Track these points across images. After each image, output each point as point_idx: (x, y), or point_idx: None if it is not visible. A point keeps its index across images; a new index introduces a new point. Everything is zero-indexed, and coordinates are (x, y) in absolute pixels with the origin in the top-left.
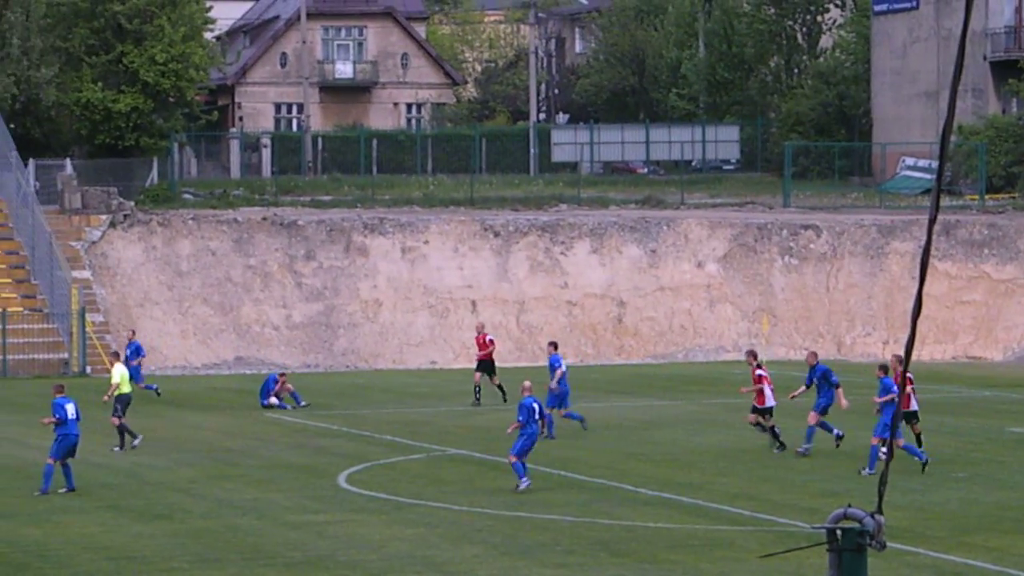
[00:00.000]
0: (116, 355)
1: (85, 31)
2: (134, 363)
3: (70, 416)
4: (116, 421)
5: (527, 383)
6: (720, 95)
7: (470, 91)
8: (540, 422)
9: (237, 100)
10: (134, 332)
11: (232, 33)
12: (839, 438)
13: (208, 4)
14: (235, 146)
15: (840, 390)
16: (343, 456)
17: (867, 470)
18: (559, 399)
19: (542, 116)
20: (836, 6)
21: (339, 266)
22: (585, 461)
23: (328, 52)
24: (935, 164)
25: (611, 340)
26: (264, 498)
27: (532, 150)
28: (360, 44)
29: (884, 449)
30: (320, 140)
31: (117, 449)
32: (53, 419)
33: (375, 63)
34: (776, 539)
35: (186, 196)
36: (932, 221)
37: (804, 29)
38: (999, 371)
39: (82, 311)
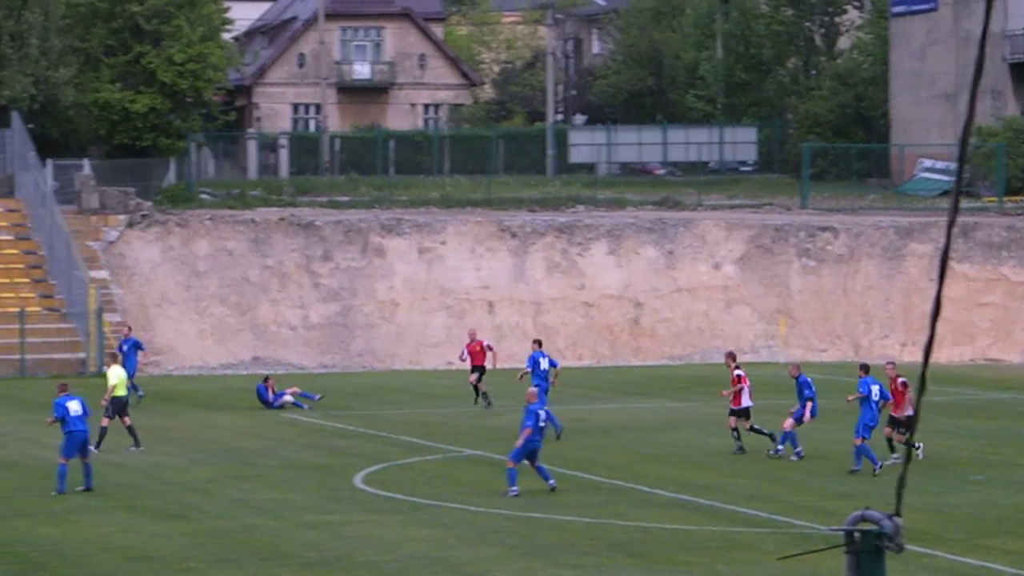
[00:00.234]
0: (114, 356)
1: (103, 31)
2: (140, 358)
3: (72, 413)
4: (106, 422)
5: (533, 389)
6: (738, 96)
7: (487, 92)
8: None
9: (255, 100)
10: (130, 328)
11: (250, 34)
12: (776, 454)
13: (226, 4)
14: (253, 146)
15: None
16: (360, 456)
17: (855, 466)
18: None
19: (559, 117)
20: (854, 7)
21: (356, 267)
22: (601, 463)
23: (346, 53)
24: (953, 166)
25: (628, 341)
26: (281, 498)
27: (549, 151)
28: (378, 45)
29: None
30: (337, 141)
31: (133, 448)
32: (53, 419)
33: (393, 64)
34: (793, 541)
35: (203, 196)
36: (951, 223)
37: (822, 30)
38: (1017, 373)
39: (99, 311)
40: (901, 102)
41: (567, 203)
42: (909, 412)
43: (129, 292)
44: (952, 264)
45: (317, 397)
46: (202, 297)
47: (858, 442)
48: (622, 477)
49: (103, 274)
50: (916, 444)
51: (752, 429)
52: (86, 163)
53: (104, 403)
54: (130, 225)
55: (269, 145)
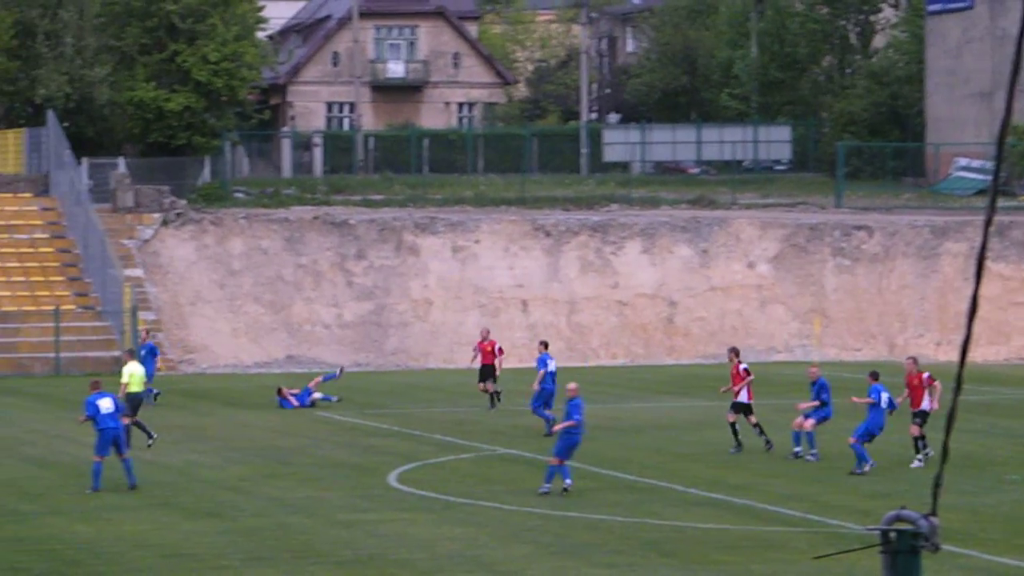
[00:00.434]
0: (131, 352)
1: (138, 30)
2: (154, 360)
3: (103, 411)
4: (125, 420)
5: (573, 384)
6: (772, 95)
7: (521, 90)
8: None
9: (289, 99)
10: (148, 331)
11: (284, 32)
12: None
13: (261, 3)
14: (287, 145)
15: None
16: (393, 455)
17: (857, 468)
18: (544, 399)
19: (593, 116)
20: (890, 6)
21: (390, 265)
22: (635, 461)
23: (380, 51)
24: (988, 164)
25: (662, 340)
26: (315, 496)
27: (583, 150)
28: (412, 43)
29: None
30: (371, 139)
31: (151, 443)
32: (84, 417)
33: (427, 62)
34: (827, 540)
35: (238, 195)
36: (988, 222)
37: (857, 29)
38: None
39: (134, 309)
40: (937, 100)
41: (601, 202)
42: (926, 406)
43: (163, 290)
44: (987, 263)
45: (335, 399)
46: (236, 296)
47: (851, 441)
48: (656, 476)
49: (138, 272)
50: (928, 449)
51: (755, 426)
52: (121, 161)
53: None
54: (165, 223)
55: (303, 144)
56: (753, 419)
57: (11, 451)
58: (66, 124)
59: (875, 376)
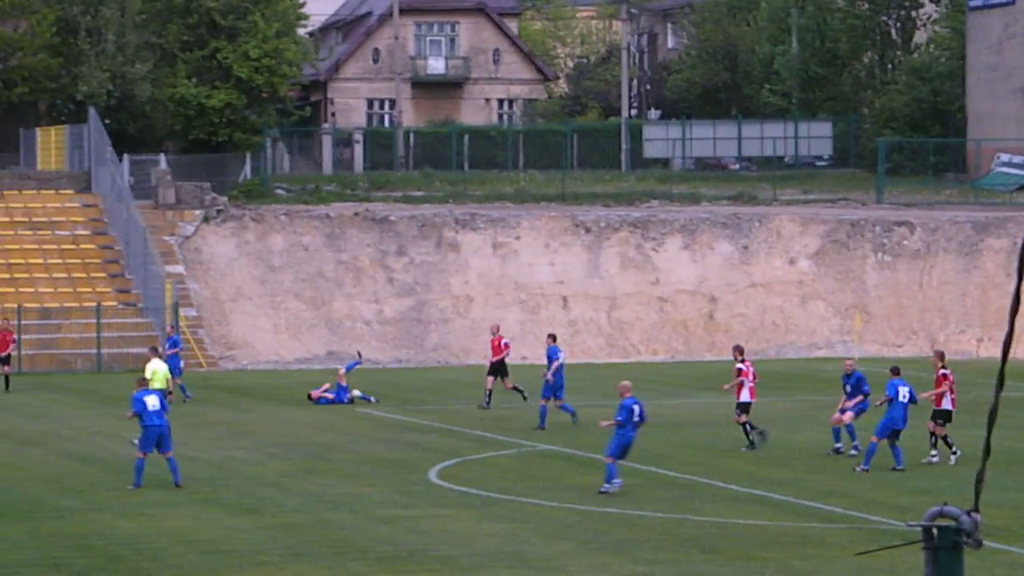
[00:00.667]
0: (154, 350)
1: (179, 27)
2: (171, 352)
3: (150, 408)
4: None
5: (626, 383)
6: (813, 91)
7: (562, 87)
8: (638, 424)
9: (330, 96)
10: (173, 327)
11: (325, 29)
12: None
13: (301, 0)
14: (327, 142)
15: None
16: (434, 451)
17: (859, 467)
18: (553, 391)
19: (634, 112)
20: (931, 1)
21: (430, 261)
22: (676, 457)
23: (420, 48)
24: None
25: (702, 336)
26: (355, 492)
27: (624, 146)
28: (452, 40)
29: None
30: (412, 136)
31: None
32: (131, 413)
33: (467, 59)
34: (869, 536)
35: (278, 191)
36: None
37: (898, 24)
38: None
39: (175, 306)
40: (978, 96)
41: (641, 198)
42: (947, 406)
43: (204, 287)
44: None
45: (373, 399)
46: (277, 292)
47: (873, 439)
48: (697, 472)
49: (179, 269)
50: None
51: (744, 426)
52: (162, 158)
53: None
54: (206, 220)
55: (344, 140)
56: (744, 417)
57: (53, 447)
58: (108, 121)
59: (895, 371)
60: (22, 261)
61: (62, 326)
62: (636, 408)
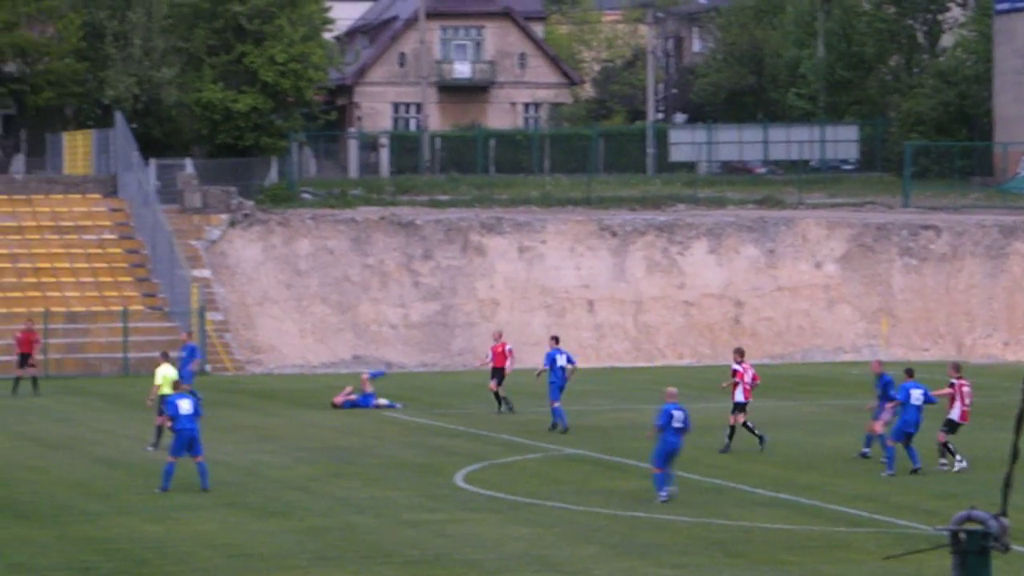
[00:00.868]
0: (165, 355)
1: (206, 31)
2: (190, 367)
3: (182, 412)
4: (160, 420)
5: (672, 389)
6: (839, 94)
7: (588, 91)
8: (682, 431)
9: (356, 100)
10: (189, 334)
11: (351, 33)
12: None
13: (327, 4)
14: (353, 146)
15: (890, 405)
16: (460, 455)
17: (885, 472)
18: (559, 390)
19: (660, 116)
20: (957, 5)
21: (456, 265)
22: (703, 461)
23: (446, 52)
24: None
25: (728, 340)
26: (382, 496)
27: (649, 150)
28: (478, 44)
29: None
30: (438, 140)
31: (150, 448)
32: (166, 416)
33: (493, 63)
34: (896, 541)
35: (305, 196)
36: None
37: (924, 28)
38: None
39: (202, 310)
40: (1004, 100)
41: (667, 202)
42: (955, 416)
43: (231, 291)
44: None
45: (399, 405)
46: (303, 296)
47: (889, 443)
48: (723, 476)
49: (205, 273)
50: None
51: (744, 425)
52: (188, 162)
53: (150, 402)
54: (232, 224)
55: (370, 144)
56: (743, 418)
57: (80, 451)
58: (134, 125)
59: (910, 373)
60: (49, 265)
61: (89, 330)
62: (678, 414)
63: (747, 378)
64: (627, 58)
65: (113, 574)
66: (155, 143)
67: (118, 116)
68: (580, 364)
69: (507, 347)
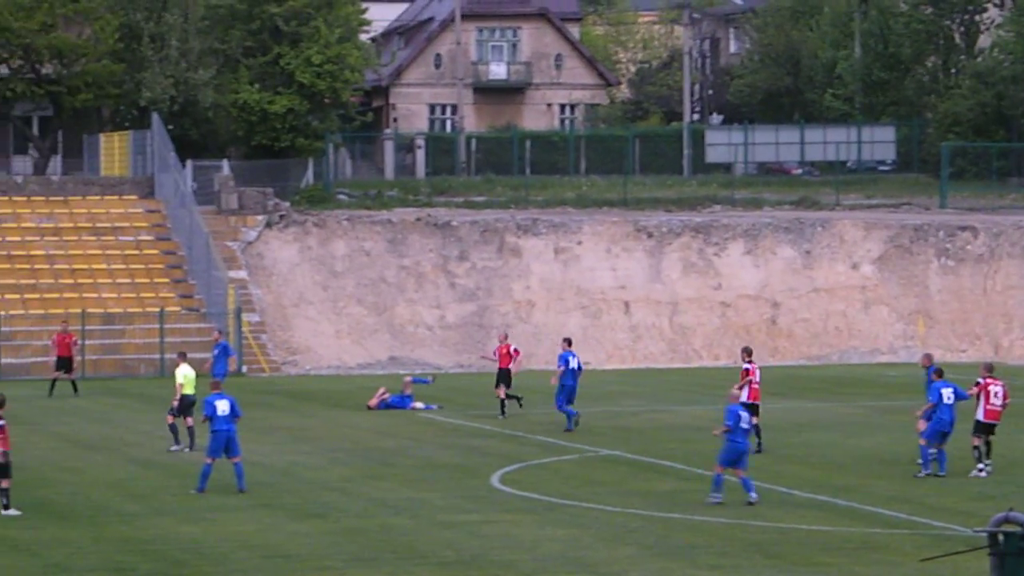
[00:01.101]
0: (183, 355)
1: (242, 33)
2: (226, 365)
3: (219, 413)
4: (170, 419)
5: (735, 391)
6: (876, 95)
7: (624, 92)
8: (749, 432)
9: (391, 101)
10: (220, 332)
11: (387, 35)
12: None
13: (363, 6)
14: (389, 147)
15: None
16: (496, 456)
17: (921, 472)
18: (567, 396)
19: (696, 117)
20: (995, 5)
21: (492, 267)
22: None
23: (482, 53)
24: None
25: (765, 341)
26: (418, 497)
27: (686, 151)
28: (514, 45)
29: (933, 451)
30: (474, 141)
31: (175, 448)
32: (203, 417)
33: (529, 64)
34: (932, 543)
35: (341, 197)
36: None
37: (962, 29)
38: None
39: (238, 311)
40: None
41: (704, 203)
42: (980, 416)
43: (267, 292)
44: None
45: (435, 407)
46: (339, 297)
47: (922, 442)
48: (759, 477)
49: (242, 274)
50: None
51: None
52: (225, 164)
53: (174, 403)
54: (268, 225)
55: (406, 146)
56: (754, 419)
57: (117, 452)
58: (171, 127)
59: (939, 374)
60: (86, 266)
61: (125, 331)
62: (744, 414)
63: (757, 377)
64: (663, 59)
65: (150, 575)
66: (191, 144)
67: (155, 117)
68: (616, 365)
69: (511, 348)
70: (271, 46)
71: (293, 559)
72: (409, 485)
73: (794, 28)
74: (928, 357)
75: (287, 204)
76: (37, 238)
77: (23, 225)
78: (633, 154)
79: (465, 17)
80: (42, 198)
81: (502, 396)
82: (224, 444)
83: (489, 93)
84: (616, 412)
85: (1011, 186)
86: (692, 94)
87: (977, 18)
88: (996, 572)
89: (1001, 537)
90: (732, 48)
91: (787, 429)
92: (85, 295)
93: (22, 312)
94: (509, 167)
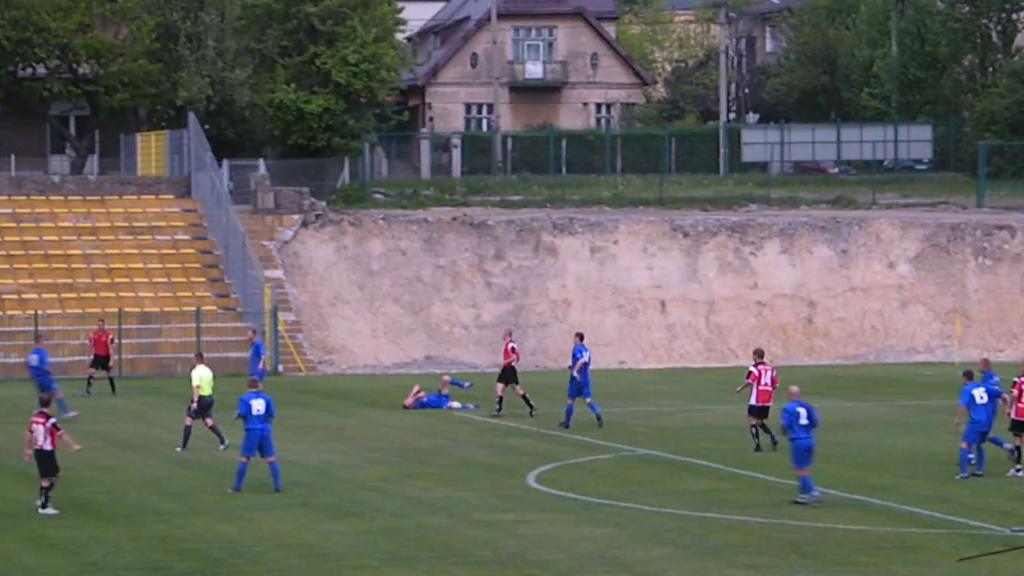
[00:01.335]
0: (200, 356)
1: (278, 32)
2: (259, 365)
3: (254, 411)
4: (188, 421)
5: (794, 388)
6: (913, 94)
7: (660, 91)
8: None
9: (428, 100)
10: (254, 332)
11: (423, 34)
12: (1010, 451)
13: (400, 5)
14: (425, 146)
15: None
16: (532, 455)
17: (959, 475)
18: (578, 389)
19: (732, 116)
20: None
21: (528, 266)
22: (775, 463)
23: (518, 52)
24: None
25: (801, 341)
26: (454, 497)
27: (722, 150)
28: (550, 44)
29: (972, 455)
30: (510, 140)
31: (221, 447)
32: (237, 415)
33: (565, 63)
34: (969, 542)
35: (377, 196)
36: None
37: (999, 27)
38: None
39: (274, 310)
40: None
41: (740, 202)
42: (1015, 414)
43: (303, 291)
44: None
45: (472, 406)
46: (375, 296)
47: (963, 445)
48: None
49: (278, 273)
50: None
51: (761, 426)
52: (261, 163)
53: (192, 405)
54: (304, 225)
55: (442, 145)
56: (759, 421)
57: (153, 451)
58: (207, 126)
59: (969, 376)
60: (123, 266)
61: (162, 330)
62: (801, 411)
63: (765, 379)
64: (699, 58)
65: (186, 574)
66: (228, 144)
67: (191, 117)
68: (652, 364)
69: (510, 345)
70: (307, 45)
71: (329, 558)
72: (445, 484)
73: (830, 27)
74: (985, 362)
75: (323, 203)
76: (74, 238)
77: (60, 225)
78: (669, 153)
79: (501, 16)
80: (79, 198)
81: (500, 393)
82: (257, 443)
83: (525, 92)
84: (652, 411)
85: None
86: (728, 93)
87: (1015, 16)
88: None
89: None
90: (768, 47)
91: (824, 428)
92: (122, 294)
93: (59, 312)
94: (545, 166)
